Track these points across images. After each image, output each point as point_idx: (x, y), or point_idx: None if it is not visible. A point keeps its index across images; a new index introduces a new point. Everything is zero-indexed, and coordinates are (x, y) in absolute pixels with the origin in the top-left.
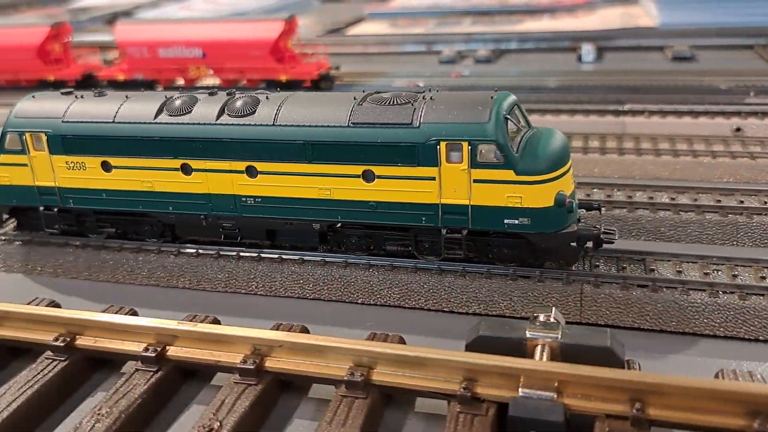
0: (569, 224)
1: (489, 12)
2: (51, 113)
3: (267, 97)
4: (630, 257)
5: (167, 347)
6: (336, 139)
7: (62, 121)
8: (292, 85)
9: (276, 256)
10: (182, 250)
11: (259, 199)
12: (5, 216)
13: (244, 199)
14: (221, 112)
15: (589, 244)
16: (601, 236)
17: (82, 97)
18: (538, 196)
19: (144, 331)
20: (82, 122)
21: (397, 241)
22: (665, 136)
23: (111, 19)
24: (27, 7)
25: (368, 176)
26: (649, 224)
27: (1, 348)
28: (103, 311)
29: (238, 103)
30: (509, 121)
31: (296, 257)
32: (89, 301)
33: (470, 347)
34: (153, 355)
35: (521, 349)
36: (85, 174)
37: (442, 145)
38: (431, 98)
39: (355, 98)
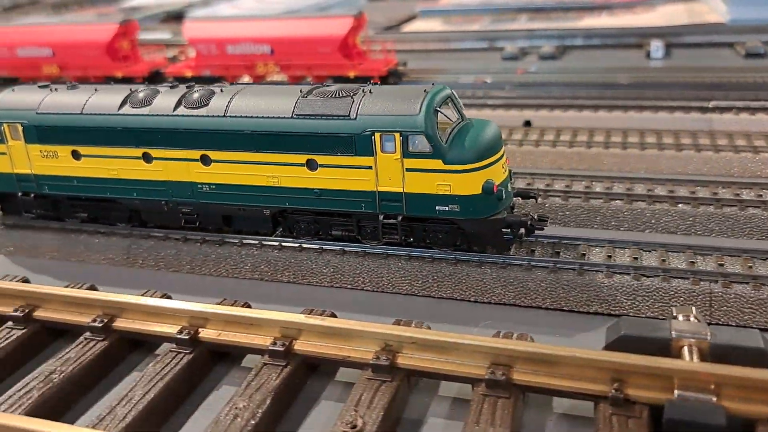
0: (499, 211)
1: (544, 9)
2: (27, 105)
3: (221, 90)
4: (754, 256)
5: (293, 341)
6: (281, 130)
7: (36, 113)
8: (360, 81)
9: (382, 252)
10: (284, 244)
11: (214, 186)
12: None
13: (200, 186)
14: (178, 104)
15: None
16: (531, 223)
17: (56, 89)
18: (466, 184)
19: (270, 324)
20: (53, 114)
21: (342, 226)
22: (760, 134)
23: (165, 18)
24: (78, 7)
25: (312, 165)
26: (763, 223)
27: (121, 340)
28: (218, 304)
29: (195, 96)
30: (439, 114)
31: (403, 253)
32: (197, 294)
33: (611, 347)
34: (281, 349)
35: (667, 349)
36: (57, 162)
37: (377, 135)
38: (370, 92)
39: (301, 91)
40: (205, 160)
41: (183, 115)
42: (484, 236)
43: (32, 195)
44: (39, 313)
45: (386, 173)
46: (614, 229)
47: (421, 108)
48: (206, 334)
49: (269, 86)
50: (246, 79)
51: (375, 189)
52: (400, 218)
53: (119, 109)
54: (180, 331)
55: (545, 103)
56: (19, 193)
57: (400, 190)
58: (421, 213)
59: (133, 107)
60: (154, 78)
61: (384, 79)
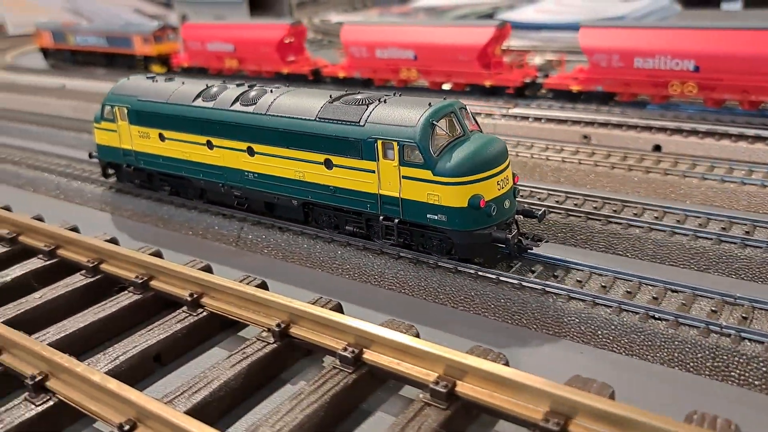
0: (488, 226)
1: None
2: (133, 92)
3: (271, 91)
4: None
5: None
6: (305, 130)
7: (137, 99)
8: None
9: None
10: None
11: (257, 175)
12: (110, 171)
13: (246, 173)
14: (236, 100)
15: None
16: (521, 240)
17: (157, 80)
18: (452, 196)
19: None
20: (148, 101)
21: (354, 223)
22: None
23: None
24: (362, 6)
25: (329, 164)
26: None
27: (295, 347)
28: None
29: (251, 94)
30: (436, 127)
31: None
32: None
33: None
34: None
35: None
36: (149, 142)
37: (379, 143)
38: (384, 101)
39: (330, 96)
40: (250, 152)
41: (235, 111)
42: (472, 248)
43: (132, 168)
44: (153, 283)
45: (387, 178)
46: None
47: (418, 120)
48: (369, 356)
49: (308, 90)
50: (643, 98)
51: (377, 192)
52: (396, 221)
53: (193, 101)
54: (344, 349)
55: None
56: (124, 165)
57: (397, 195)
58: (414, 219)
59: (203, 100)
60: (523, 90)
61: None
